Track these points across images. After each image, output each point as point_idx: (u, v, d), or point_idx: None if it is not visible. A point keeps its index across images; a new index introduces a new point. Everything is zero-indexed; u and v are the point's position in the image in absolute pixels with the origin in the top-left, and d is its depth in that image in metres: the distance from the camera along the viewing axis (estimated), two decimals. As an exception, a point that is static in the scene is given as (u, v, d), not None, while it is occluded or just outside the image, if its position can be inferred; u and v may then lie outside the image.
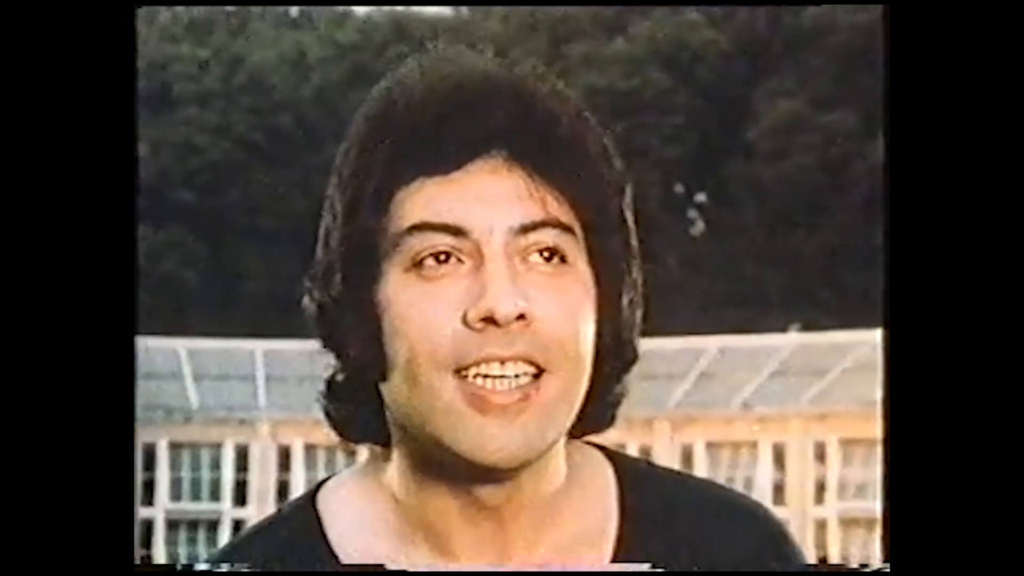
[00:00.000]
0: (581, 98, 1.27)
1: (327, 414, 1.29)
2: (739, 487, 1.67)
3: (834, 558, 37.89)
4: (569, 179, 1.22)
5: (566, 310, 1.21)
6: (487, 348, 1.19)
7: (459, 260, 1.20)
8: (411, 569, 1.25)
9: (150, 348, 39.73)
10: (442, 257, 1.20)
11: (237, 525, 41.18)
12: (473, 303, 1.19)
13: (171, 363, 43.04)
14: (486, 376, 1.19)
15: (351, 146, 1.24)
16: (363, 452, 1.31)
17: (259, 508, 40.80)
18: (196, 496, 42.39)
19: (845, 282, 48.75)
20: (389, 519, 1.28)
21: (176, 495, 42.25)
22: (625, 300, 1.26)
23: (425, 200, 1.21)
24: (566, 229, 1.22)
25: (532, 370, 1.20)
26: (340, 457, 1.30)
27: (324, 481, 1.33)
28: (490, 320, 1.18)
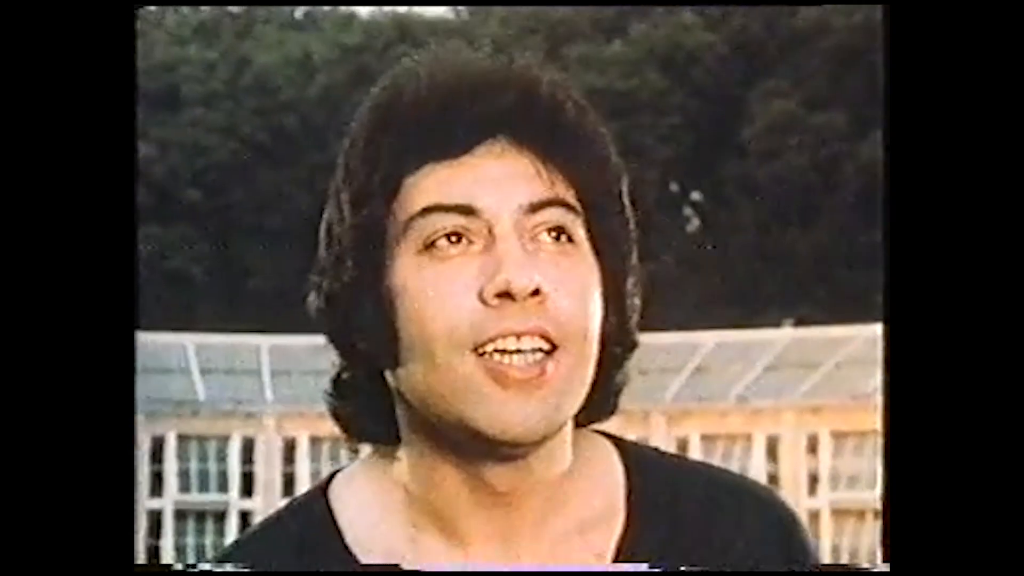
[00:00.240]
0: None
1: (333, 412, 1.29)
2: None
3: (826, 547, 37.82)
4: (574, 161, 1.23)
5: (576, 288, 1.22)
6: (504, 323, 1.19)
7: (470, 240, 1.21)
8: (422, 558, 1.26)
9: (158, 343, 39.84)
10: (454, 238, 1.21)
11: (244, 515, 41.30)
12: (489, 279, 1.19)
13: (179, 358, 43.06)
14: (503, 352, 1.20)
15: (357, 137, 1.25)
16: (366, 447, 1.33)
17: (265, 499, 40.97)
18: (204, 487, 42.38)
19: (838, 278, 48.69)
20: (399, 508, 1.28)
21: (184, 486, 42.30)
22: (629, 283, 1.27)
23: (435, 184, 1.22)
24: (572, 209, 1.23)
25: (546, 346, 1.20)
26: (344, 450, 1.36)
27: (335, 474, 1.34)
28: (505, 295, 1.19)
